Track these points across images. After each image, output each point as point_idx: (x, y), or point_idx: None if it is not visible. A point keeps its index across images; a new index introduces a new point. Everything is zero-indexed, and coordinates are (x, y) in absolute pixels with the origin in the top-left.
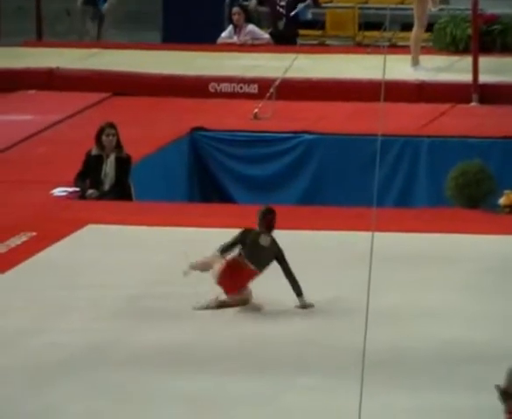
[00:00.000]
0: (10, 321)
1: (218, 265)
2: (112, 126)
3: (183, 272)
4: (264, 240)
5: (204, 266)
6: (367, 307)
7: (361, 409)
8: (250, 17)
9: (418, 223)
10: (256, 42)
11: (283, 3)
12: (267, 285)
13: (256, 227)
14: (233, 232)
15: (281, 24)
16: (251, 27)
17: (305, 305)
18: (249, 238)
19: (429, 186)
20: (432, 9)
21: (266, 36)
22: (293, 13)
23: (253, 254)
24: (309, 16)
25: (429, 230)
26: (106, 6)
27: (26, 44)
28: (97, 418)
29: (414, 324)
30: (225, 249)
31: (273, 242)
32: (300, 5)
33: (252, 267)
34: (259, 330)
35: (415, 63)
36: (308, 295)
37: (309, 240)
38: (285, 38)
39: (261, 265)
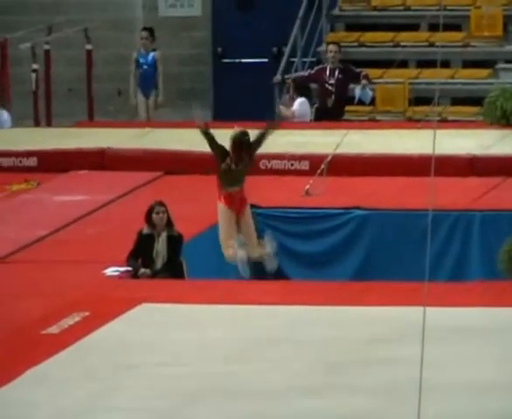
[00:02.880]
0: (64, 401)
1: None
2: (161, 204)
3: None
4: (234, 166)
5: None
6: (420, 382)
7: None
8: (302, 91)
9: (470, 296)
10: (295, 120)
11: (332, 82)
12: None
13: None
14: (286, 309)
15: (330, 102)
16: (299, 101)
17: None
18: (222, 165)
19: (482, 260)
20: None
21: (306, 119)
22: (356, 101)
23: (231, 180)
24: (370, 95)
25: (482, 304)
26: (159, 100)
27: (78, 124)
28: None
29: (470, 398)
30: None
31: (244, 159)
32: (354, 86)
33: (236, 188)
34: (311, 406)
35: None
36: (361, 371)
37: (362, 315)
38: (332, 115)
39: (241, 181)
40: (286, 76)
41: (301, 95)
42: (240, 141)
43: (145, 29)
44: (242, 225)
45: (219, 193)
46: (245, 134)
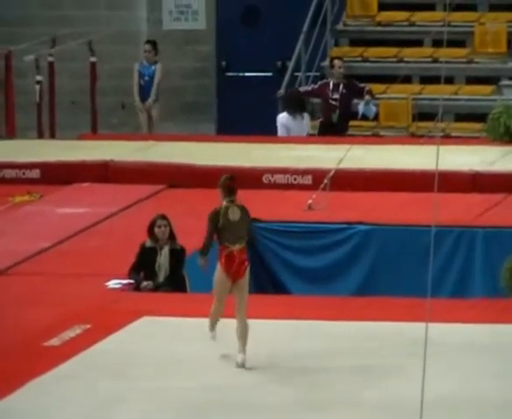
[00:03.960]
0: (65, 413)
1: (217, 273)
2: (163, 217)
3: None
4: (232, 214)
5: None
6: (422, 398)
7: None
8: (288, 105)
9: (472, 313)
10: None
11: (336, 96)
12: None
13: (221, 201)
14: (288, 323)
15: (335, 117)
16: (278, 117)
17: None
18: (219, 221)
19: (484, 276)
20: None
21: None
22: (360, 116)
23: (231, 235)
24: (374, 110)
25: (484, 321)
26: (149, 101)
27: (81, 137)
28: None
29: (471, 414)
30: (207, 246)
31: (242, 211)
32: (357, 101)
33: (238, 247)
34: None
35: None
36: (363, 385)
37: (364, 331)
38: (337, 130)
39: (242, 239)
40: (289, 90)
41: (287, 110)
42: (227, 186)
43: (148, 42)
44: (236, 292)
45: (221, 253)
46: (230, 178)
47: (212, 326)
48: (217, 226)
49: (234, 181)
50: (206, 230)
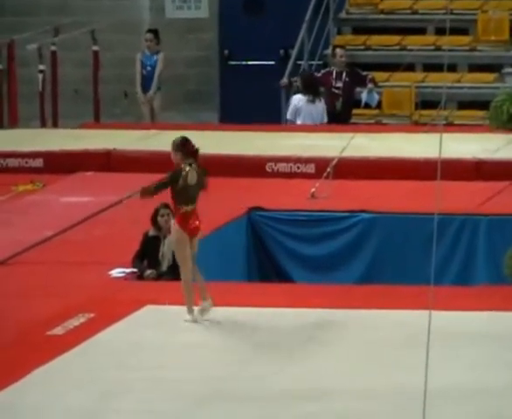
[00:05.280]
0: (69, 402)
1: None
2: (166, 206)
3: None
4: (191, 178)
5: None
6: (425, 387)
7: None
8: (307, 88)
9: (476, 301)
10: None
11: (339, 85)
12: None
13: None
14: (291, 312)
15: (338, 105)
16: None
17: None
18: (178, 184)
19: (487, 264)
20: None
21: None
22: (363, 104)
23: (186, 197)
24: (376, 98)
25: (487, 308)
26: (150, 93)
27: (84, 126)
28: None
29: (474, 403)
30: (151, 192)
31: (199, 175)
32: (360, 90)
33: (191, 207)
34: (316, 410)
35: None
36: (365, 374)
37: (367, 319)
38: (341, 118)
39: (195, 199)
40: (292, 78)
41: (303, 92)
42: (188, 149)
43: (150, 31)
44: (191, 248)
45: (176, 213)
46: (187, 141)
47: (189, 305)
48: (175, 187)
49: (190, 143)
50: (162, 181)
